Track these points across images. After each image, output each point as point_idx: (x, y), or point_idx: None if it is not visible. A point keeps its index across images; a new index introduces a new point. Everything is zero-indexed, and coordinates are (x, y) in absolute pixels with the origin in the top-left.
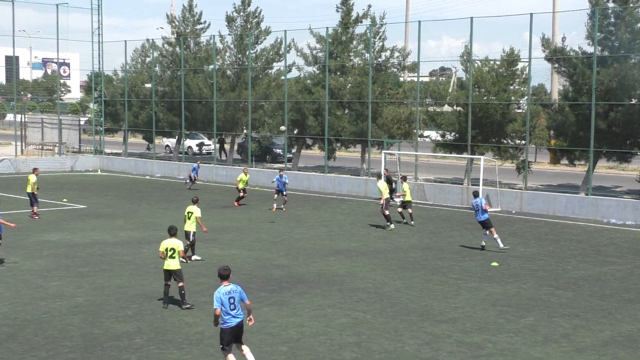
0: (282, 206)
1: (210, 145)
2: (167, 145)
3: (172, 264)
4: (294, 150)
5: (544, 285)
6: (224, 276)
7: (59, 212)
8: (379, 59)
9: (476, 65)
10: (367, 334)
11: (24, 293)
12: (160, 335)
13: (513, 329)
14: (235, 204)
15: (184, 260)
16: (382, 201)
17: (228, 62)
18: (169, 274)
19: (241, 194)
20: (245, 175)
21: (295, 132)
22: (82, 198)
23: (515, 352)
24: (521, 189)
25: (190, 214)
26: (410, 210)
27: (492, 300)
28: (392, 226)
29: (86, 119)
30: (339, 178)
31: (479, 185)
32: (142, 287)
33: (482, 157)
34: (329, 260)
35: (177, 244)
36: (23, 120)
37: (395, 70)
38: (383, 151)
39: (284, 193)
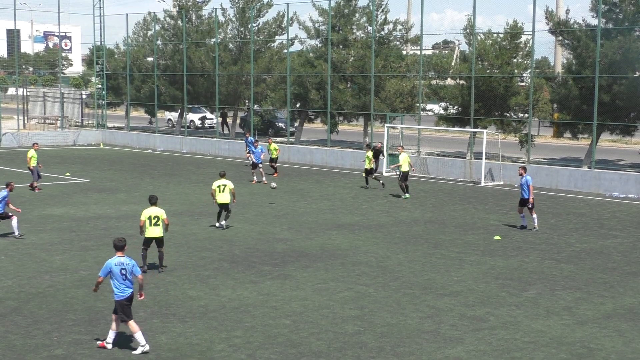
0: (262, 178)
1: (212, 119)
2: (169, 119)
3: (156, 232)
4: (296, 124)
5: (546, 259)
6: (118, 247)
7: (62, 186)
8: (382, 32)
9: (479, 38)
10: (369, 307)
11: (28, 267)
12: (163, 309)
13: (515, 302)
14: (275, 174)
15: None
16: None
17: (230, 35)
18: (151, 241)
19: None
20: (270, 144)
21: (297, 105)
22: (85, 172)
23: (517, 325)
24: (524, 163)
25: (223, 187)
26: (403, 183)
27: (495, 273)
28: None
29: (88, 92)
30: (341, 152)
31: (481, 159)
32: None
33: (485, 131)
34: (331, 234)
35: (161, 211)
36: (25, 94)
37: (397, 43)
38: (386, 125)
39: (260, 165)
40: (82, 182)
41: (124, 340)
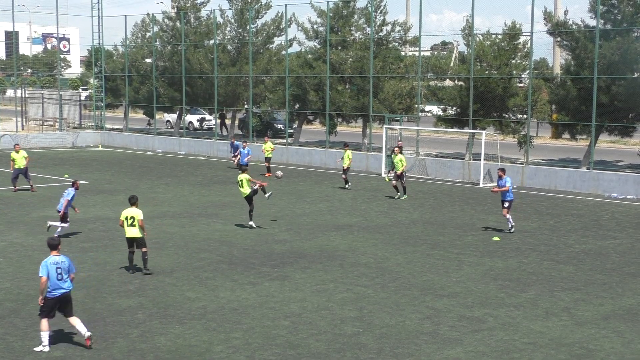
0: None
1: (211, 120)
2: (168, 121)
3: (133, 232)
4: (295, 125)
5: (545, 260)
6: (52, 246)
7: (61, 188)
8: (380, 33)
9: (478, 39)
10: (368, 308)
11: (27, 268)
12: (162, 310)
13: (514, 303)
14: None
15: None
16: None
17: (229, 36)
18: (132, 241)
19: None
20: (266, 142)
21: (296, 107)
22: (84, 174)
23: (516, 326)
24: (523, 164)
25: (241, 182)
26: (399, 182)
27: (494, 274)
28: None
29: (87, 94)
30: (340, 153)
31: (480, 160)
32: None
33: (483, 132)
34: (330, 235)
35: (137, 212)
36: (23, 95)
37: (396, 44)
38: (384, 126)
39: (247, 167)
40: (81, 184)
41: (125, 342)
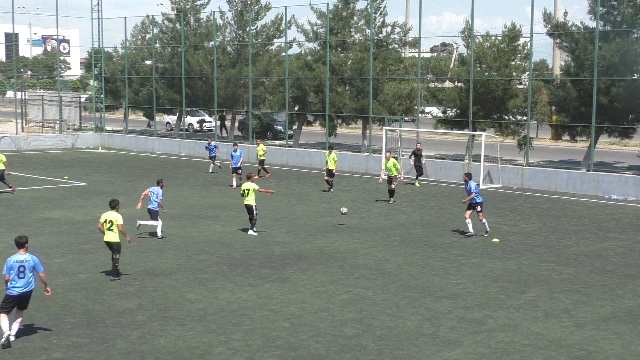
0: (233, 183)
1: (211, 122)
2: (167, 122)
3: (111, 237)
4: (294, 127)
5: (544, 261)
6: (19, 244)
7: (61, 190)
8: (380, 35)
9: (477, 40)
10: (368, 310)
11: None
12: (162, 312)
13: (514, 305)
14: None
15: (124, 235)
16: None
17: (228, 38)
18: (109, 246)
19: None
20: (259, 145)
21: (296, 108)
22: (84, 175)
23: (516, 328)
24: (522, 165)
25: (247, 191)
26: (392, 186)
27: (493, 276)
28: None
29: (86, 96)
30: (340, 154)
31: (480, 161)
32: (144, 264)
33: (483, 133)
34: (330, 237)
35: (116, 217)
36: (23, 97)
37: (396, 46)
38: (384, 127)
39: (239, 170)
40: (81, 186)
41: (124, 344)
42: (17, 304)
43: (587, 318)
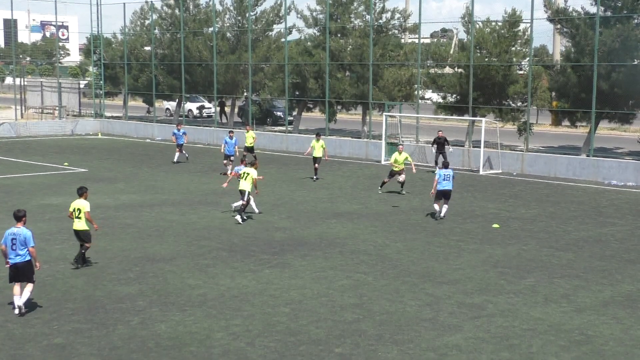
0: (227, 171)
1: (210, 108)
2: (167, 109)
3: (79, 225)
4: (294, 113)
5: (544, 247)
6: (16, 217)
7: (60, 176)
8: (380, 21)
9: (477, 26)
10: (368, 295)
11: None
12: (162, 298)
13: (513, 290)
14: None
15: (91, 223)
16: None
17: (228, 24)
18: (77, 234)
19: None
20: (248, 131)
21: (296, 94)
22: (83, 162)
23: (516, 313)
24: (522, 151)
25: (246, 175)
26: (402, 178)
27: (493, 261)
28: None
29: (86, 82)
30: (339, 140)
31: (480, 147)
32: (144, 250)
33: (483, 119)
34: (330, 223)
35: (83, 204)
36: (22, 83)
37: (396, 32)
38: (384, 113)
39: (232, 158)
40: (81, 172)
41: (125, 329)
42: (17, 274)
43: (587, 303)
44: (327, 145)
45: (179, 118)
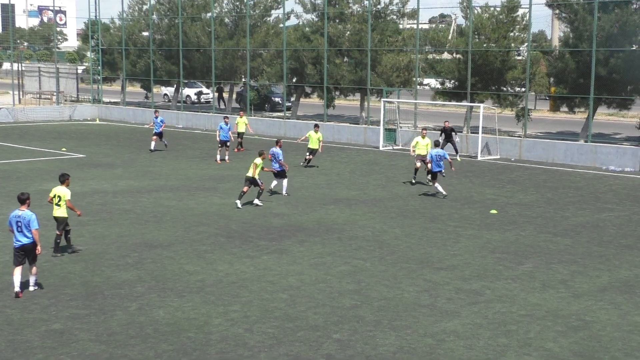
0: (225, 157)
1: (208, 94)
2: (165, 94)
3: (58, 212)
4: (292, 99)
5: (542, 232)
6: (20, 200)
7: (58, 162)
8: (378, 6)
9: (476, 12)
10: (366, 281)
11: None
12: (160, 284)
13: (511, 276)
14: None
15: (73, 209)
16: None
17: (226, 9)
18: (57, 220)
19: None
20: (241, 117)
21: (294, 80)
22: (81, 147)
23: (513, 298)
24: (520, 137)
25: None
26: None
27: (491, 247)
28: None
29: (84, 67)
30: (338, 126)
31: (478, 133)
32: (142, 236)
33: (481, 105)
34: (328, 209)
35: (64, 192)
36: (20, 69)
37: (394, 17)
38: (382, 99)
39: (228, 144)
40: (79, 157)
41: (123, 315)
42: (26, 255)
43: (584, 288)
44: (325, 131)
45: (177, 104)
